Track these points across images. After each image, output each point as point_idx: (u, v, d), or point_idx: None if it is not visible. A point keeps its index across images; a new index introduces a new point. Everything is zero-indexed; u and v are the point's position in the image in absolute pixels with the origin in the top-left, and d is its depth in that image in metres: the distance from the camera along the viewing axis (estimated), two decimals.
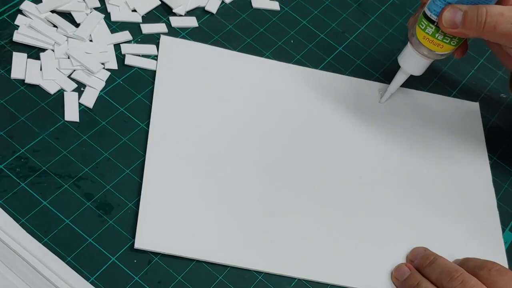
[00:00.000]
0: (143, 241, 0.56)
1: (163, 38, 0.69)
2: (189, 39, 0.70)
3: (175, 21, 0.71)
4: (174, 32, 0.70)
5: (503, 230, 0.66)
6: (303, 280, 0.58)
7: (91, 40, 0.67)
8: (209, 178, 0.61)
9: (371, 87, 0.72)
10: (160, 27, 0.70)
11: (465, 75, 0.78)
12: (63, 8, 0.68)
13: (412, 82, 0.75)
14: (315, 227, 0.61)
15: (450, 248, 0.63)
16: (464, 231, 0.65)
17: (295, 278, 0.58)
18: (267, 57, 0.72)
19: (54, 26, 0.67)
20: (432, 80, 0.76)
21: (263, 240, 0.59)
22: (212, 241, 0.58)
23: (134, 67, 0.67)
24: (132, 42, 0.69)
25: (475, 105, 0.75)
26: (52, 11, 0.68)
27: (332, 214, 0.62)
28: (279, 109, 0.68)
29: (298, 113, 0.68)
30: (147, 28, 0.70)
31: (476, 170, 0.70)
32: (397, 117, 0.71)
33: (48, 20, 0.67)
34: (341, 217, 0.62)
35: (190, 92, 0.66)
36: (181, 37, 0.70)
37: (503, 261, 0.64)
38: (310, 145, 0.66)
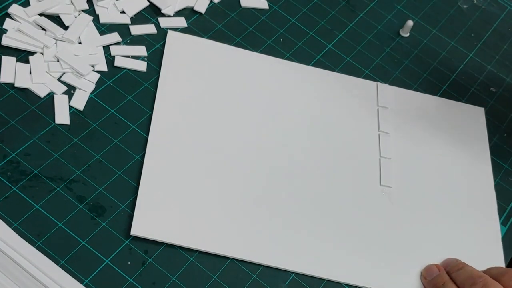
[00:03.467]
0: (139, 228, 0.56)
1: (170, 33, 0.70)
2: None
3: (164, 22, 0.71)
4: (163, 33, 0.70)
5: None
6: (300, 274, 0.58)
7: (80, 43, 0.67)
8: (208, 171, 0.62)
9: (367, 85, 0.73)
10: (149, 28, 0.70)
11: (454, 70, 0.78)
12: (51, 11, 0.68)
13: (401, 78, 0.75)
14: (313, 221, 0.61)
15: (449, 246, 0.63)
16: (464, 231, 0.65)
17: (291, 273, 0.58)
18: (261, 52, 0.72)
19: (43, 29, 0.66)
20: (422, 76, 0.76)
21: (260, 233, 0.59)
22: (208, 232, 0.58)
23: (124, 68, 0.67)
24: (122, 43, 0.68)
25: (480, 110, 0.75)
26: (41, 14, 0.67)
27: (331, 210, 0.62)
28: (280, 105, 0.68)
29: (303, 110, 0.68)
30: (136, 30, 0.70)
31: (478, 172, 0.70)
32: (392, 115, 0.71)
33: (36, 24, 0.67)
34: (338, 213, 0.62)
35: (194, 86, 0.67)
36: None
37: (499, 253, 0.65)
38: (311, 142, 0.66)
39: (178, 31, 0.71)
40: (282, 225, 0.60)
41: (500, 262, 0.64)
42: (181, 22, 0.72)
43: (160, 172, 0.60)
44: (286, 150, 0.65)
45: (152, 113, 0.64)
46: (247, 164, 0.63)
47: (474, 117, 0.74)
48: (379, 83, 0.73)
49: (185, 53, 0.69)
